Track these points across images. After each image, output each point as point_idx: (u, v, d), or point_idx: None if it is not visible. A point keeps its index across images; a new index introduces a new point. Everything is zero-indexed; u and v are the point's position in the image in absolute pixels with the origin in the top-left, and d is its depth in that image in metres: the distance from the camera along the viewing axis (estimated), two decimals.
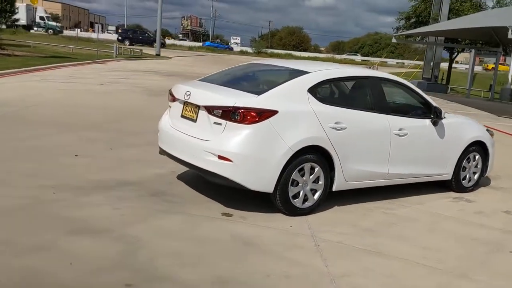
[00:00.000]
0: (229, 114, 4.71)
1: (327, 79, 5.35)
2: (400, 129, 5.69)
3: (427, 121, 6.05)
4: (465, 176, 6.64)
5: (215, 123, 4.82)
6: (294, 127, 4.86)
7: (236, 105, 4.71)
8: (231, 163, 4.68)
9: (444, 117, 6.14)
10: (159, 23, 43.21)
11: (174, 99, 5.49)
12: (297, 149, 4.84)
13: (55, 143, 7.26)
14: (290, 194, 4.93)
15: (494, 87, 27.98)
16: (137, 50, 38.49)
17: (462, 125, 6.55)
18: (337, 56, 66.40)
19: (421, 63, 33.33)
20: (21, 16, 45.51)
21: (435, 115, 6.06)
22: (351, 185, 5.43)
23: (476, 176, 6.80)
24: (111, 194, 5.16)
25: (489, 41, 27.00)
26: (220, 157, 4.72)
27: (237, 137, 4.69)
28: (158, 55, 40.73)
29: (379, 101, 5.68)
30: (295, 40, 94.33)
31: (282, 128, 4.78)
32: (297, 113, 4.93)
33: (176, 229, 4.49)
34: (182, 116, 5.29)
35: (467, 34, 25.32)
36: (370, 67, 37.29)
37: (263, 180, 4.79)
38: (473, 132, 6.63)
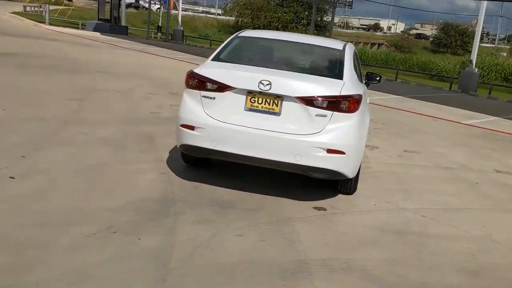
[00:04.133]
0: (338, 104, 4.40)
1: (353, 56, 5.43)
2: None
3: None
4: None
5: (317, 115, 4.40)
6: (364, 107, 4.93)
7: (342, 93, 4.44)
8: (343, 155, 4.45)
9: None
10: None
11: (222, 88, 4.53)
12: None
13: None
14: None
15: (168, 27, 29.94)
16: None
17: None
18: None
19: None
20: None
21: None
22: None
23: None
24: (185, 220, 4.07)
25: None
26: (330, 151, 4.41)
27: (346, 128, 4.47)
28: None
29: None
30: None
31: (364, 110, 4.81)
32: (363, 94, 4.96)
33: (334, 239, 4.09)
34: (251, 109, 4.49)
35: None
36: None
37: (357, 166, 4.77)
38: None
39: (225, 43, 5.32)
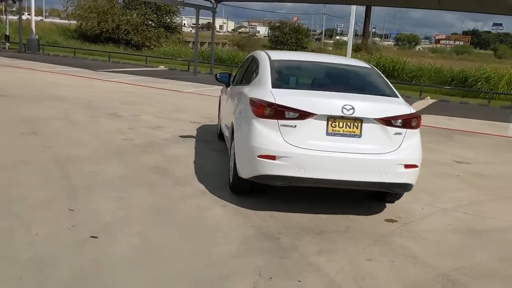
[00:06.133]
0: (410, 121, 4.77)
1: None
2: None
3: None
4: None
5: (395, 133, 4.72)
6: None
7: (411, 111, 4.82)
8: (416, 169, 4.85)
9: None
10: None
11: (304, 115, 4.58)
12: None
13: None
14: None
15: (21, 37, 27.14)
16: None
17: None
18: None
19: None
20: None
21: None
22: None
23: None
24: (309, 253, 4.10)
25: None
26: (407, 166, 4.77)
27: (415, 142, 4.87)
28: None
29: None
30: None
31: None
32: None
33: (439, 248, 4.44)
34: (332, 134, 4.62)
35: None
36: None
37: None
38: None
39: (268, 69, 5.27)
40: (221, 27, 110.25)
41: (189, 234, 4.25)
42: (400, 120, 4.71)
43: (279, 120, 4.59)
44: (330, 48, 62.50)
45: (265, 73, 5.21)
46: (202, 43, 63.90)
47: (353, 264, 3.93)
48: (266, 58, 5.56)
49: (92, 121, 8.91)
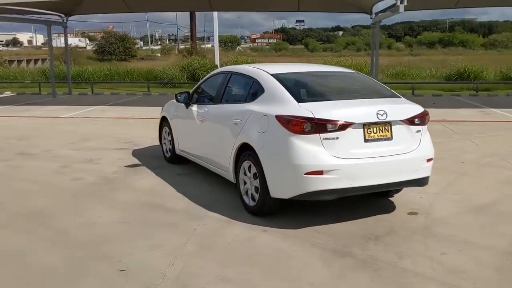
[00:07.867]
0: (424, 118, 5.13)
1: None
2: None
3: None
4: None
5: (417, 131, 5.02)
6: None
7: (424, 109, 5.18)
8: (432, 161, 5.22)
9: None
10: None
11: (345, 126, 4.62)
12: None
13: None
14: None
15: None
16: None
17: None
18: None
19: None
20: None
21: None
22: None
23: None
24: (390, 261, 4.20)
25: None
26: (428, 160, 5.12)
27: (429, 137, 5.23)
28: None
29: None
30: None
31: None
32: None
33: (476, 231, 4.86)
34: (369, 140, 4.74)
35: None
36: None
37: None
38: None
39: (278, 84, 5.16)
40: (29, 42, 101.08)
41: (264, 267, 3.98)
42: (418, 119, 4.99)
43: (320, 134, 4.54)
44: (159, 54, 61.79)
45: (278, 88, 5.08)
46: (19, 61, 58.31)
47: (435, 261, 4.08)
48: (265, 73, 5.42)
49: (9, 165, 7.68)
